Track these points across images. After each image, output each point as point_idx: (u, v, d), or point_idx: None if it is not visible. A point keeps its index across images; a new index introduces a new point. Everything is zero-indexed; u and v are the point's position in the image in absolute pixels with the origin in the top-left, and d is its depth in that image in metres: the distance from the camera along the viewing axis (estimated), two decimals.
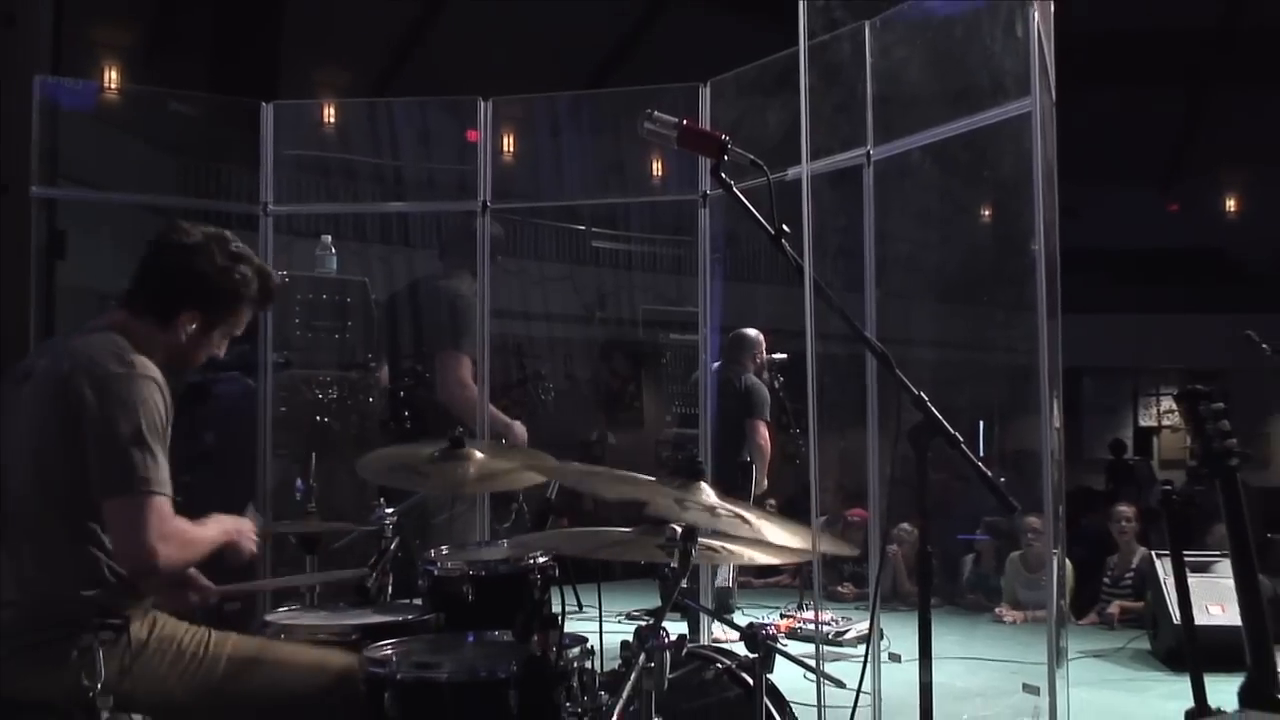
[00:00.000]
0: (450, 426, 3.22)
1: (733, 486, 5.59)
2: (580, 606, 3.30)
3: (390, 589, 3.08)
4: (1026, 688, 3.58)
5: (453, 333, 4.72)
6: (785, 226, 2.21)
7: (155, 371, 2.38)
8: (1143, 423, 16.94)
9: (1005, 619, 7.14)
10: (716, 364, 6.02)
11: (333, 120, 7.70)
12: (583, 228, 11.66)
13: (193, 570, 2.65)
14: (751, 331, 6.45)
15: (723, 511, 2.26)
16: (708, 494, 2.31)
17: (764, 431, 6.19)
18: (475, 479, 3.04)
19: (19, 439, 2.39)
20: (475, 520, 4.70)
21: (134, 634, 2.36)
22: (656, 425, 10.44)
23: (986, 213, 6.41)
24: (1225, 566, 5.42)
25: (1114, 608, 6.93)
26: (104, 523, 2.34)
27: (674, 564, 2.23)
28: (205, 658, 2.40)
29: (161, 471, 2.32)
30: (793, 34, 3.45)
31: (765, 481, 6.24)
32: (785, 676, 2.58)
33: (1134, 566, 6.99)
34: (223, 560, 2.55)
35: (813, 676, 3.24)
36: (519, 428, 4.83)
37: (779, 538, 2.31)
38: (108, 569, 2.35)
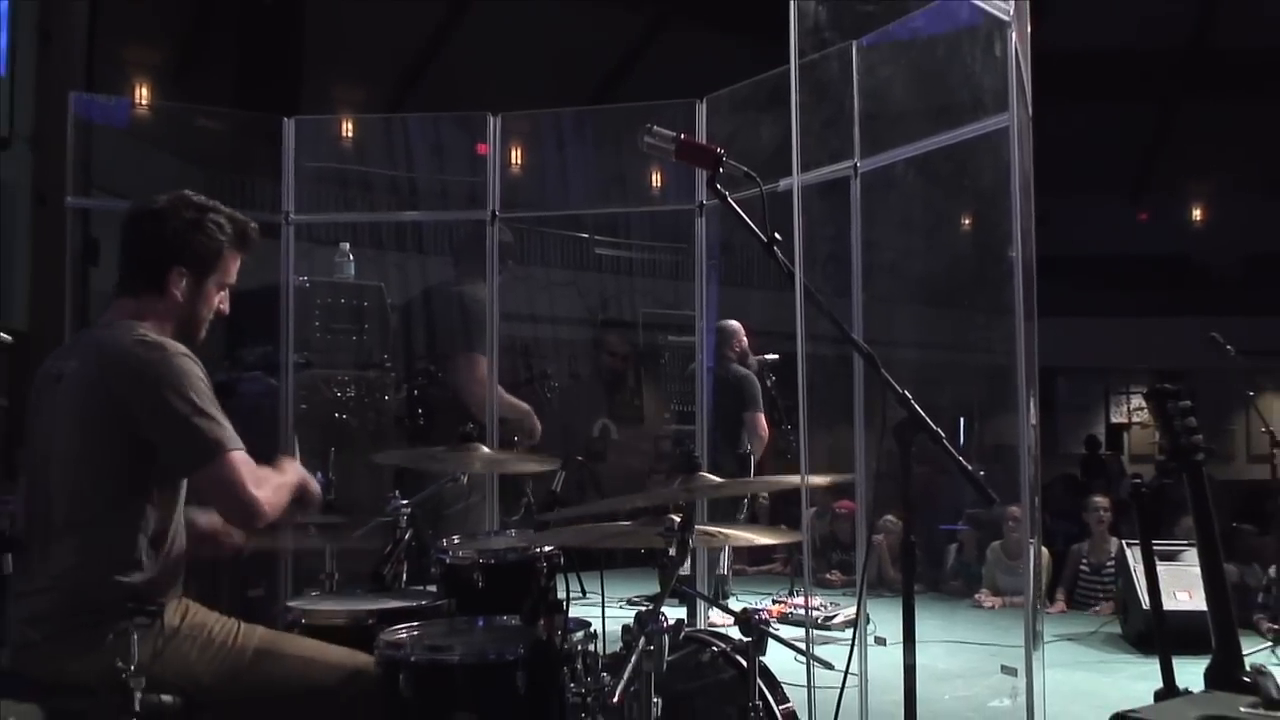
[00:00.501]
0: (461, 423, 3.23)
1: (732, 476, 5.62)
2: (584, 593, 3.30)
3: (405, 576, 3.08)
4: (1005, 669, 3.58)
5: (469, 335, 4.74)
6: (777, 235, 2.21)
7: (184, 348, 2.40)
8: (1114, 419, 16.94)
9: (985, 604, 7.13)
10: (711, 365, 6.02)
11: (350, 134, 7.70)
12: (586, 235, 11.65)
13: (221, 524, 2.64)
14: (729, 323, 6.40)
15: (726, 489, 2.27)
16: (709, 479, 2.32)
17: (763, 422, 6.19)
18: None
19: (59, 439, 2.39)
20: (485, 511, 4.71)
21: (167, 620, 2.36)
22: (656, 422, 10.43)
23: (966, 222, 6.40)
24: (1192, 555, 5.42)
25: (1103, 608, 6.90)
26: (152, 513, 2.36)
27: (672, 552, 2.23)
28: (233, 646, 2.40)
29: (228, 428, 2.34)
30: (784, 53, 3.45)
31: (761, 462, 6.26)
32: (777, 659, 2.58)
33: (1114, 556, 6.99)
34: (297, 504, 2.57)
35: (803, 659, 3.24)
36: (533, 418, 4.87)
37: (777, 483, 2.32)
38: (145, 555, 2.36)
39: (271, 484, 2.40)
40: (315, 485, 2.64)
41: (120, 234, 2.55)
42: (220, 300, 2.60)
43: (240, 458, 2.33)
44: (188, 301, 2.52)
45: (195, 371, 2.37)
